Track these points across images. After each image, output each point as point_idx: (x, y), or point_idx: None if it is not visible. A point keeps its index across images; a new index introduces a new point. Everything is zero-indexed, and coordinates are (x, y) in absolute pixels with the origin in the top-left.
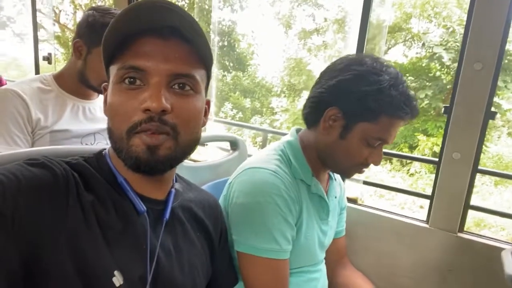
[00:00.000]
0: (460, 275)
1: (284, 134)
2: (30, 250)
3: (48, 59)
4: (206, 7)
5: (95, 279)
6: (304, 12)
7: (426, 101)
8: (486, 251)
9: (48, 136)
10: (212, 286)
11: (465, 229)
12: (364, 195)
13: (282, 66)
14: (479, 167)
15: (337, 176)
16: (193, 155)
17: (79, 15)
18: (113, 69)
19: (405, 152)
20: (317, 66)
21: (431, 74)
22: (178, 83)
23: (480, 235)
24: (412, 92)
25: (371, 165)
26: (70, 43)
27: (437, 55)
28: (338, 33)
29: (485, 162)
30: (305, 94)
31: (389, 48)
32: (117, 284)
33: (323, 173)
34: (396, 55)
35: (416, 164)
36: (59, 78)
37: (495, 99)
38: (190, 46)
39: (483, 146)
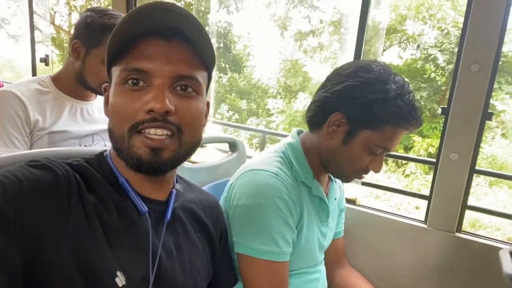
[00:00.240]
0: (458, 275)
1: (280, 135)
2: (32, 251)
3: (45, 60)
4: (202, 8)
5: (97, 279)
6: (300, 13)
7: (421, 103)
8: (484, 250)
9: (46, 138)
10: (213, 286)
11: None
12: (359, 196)
13: (278, 67)
14: (476, 168)
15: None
16: (191, 157)
17: (74, 17)
18: (116, 70)
19: (401, 153)
20: (313, 67)
21: (426, 76)
22: (180, 85)
23: (478, 235)
24: (418, 103)
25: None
26: (65, 45)
27: (432, 56)
28: (333, 34)
29: (480, 163)
30: (301, 96)
31: (384, 50)
32: (120, 285)
33: (323, 175)
34: (391, 56)
35: (412, 165)
36: (56, 79)
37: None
38: (193, 47)
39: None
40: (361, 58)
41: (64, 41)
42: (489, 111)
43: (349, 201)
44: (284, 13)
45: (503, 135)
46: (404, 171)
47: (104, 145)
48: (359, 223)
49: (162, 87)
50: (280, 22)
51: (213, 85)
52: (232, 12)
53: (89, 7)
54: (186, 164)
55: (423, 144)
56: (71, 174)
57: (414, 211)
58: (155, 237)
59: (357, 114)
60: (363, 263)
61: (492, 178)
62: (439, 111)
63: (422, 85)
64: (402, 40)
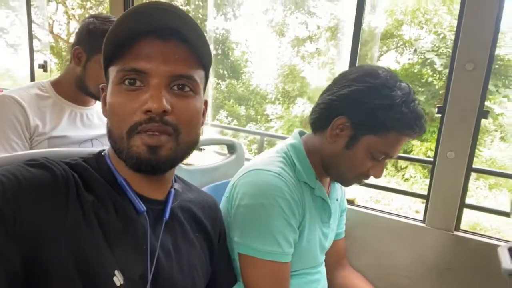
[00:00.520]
0: (458, 273)
1: (278, 137)
2: (30, 250)
3: (43, 66)
4: (200, 16)
5: (95, 278)
6: (297, 20)
7: (425, 110)
8: (482, 248)
9: (46, 143)
10: (212, 286)
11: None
12: (359, 201)
13: (276, 73)
14: (474, 166)
15: None
16: (190, 160)
17: (73, 26)
18: (113, 70)
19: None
20: (311, 73)
21: (424, 80)
22: (177, 84)
23: (476, 233)
24: (422, 111)
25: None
26: (63, 53)
27: (429, 60)
28: (330, 40)
29: (479, 166)
30: (300, 101)
31: (381, 55)
32: (118, 284)
33: (325, 176)
34: (389, 61)
35: (411, 169)
36: (56, 84)
37: (488, 103)
38: (190, 47)
39: (477, 150)
40: (357, 63)
41: (63, 50)
42: (484, 109)
43: (347, 201)
44: (281, 20)
45: (501, 138)
46: (403, 175)
47: None
48: (358, 223)
49: (159, 87)
50: (277, 28)
51: (211, 91)
52: (230, 19)
53: (91, 13)
54: (184, 165)
55: (421, 148)
56: (69, 174)
57: (415, 215)
58: (153, 237)
59: (362, 119)
60: (362, 263)
61: (492, 181)
62: (436, 110)
63: (420, 89)
64: (399, 45)
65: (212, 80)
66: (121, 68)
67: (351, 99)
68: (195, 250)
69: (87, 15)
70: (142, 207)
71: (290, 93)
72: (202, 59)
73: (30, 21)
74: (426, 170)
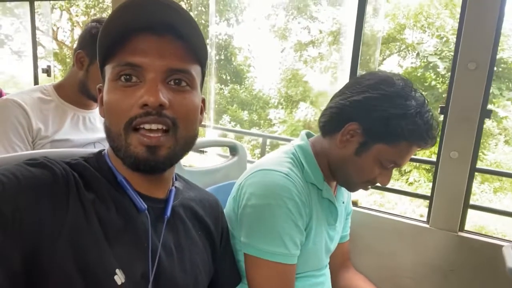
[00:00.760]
0: (462, 274)
1: (280, 139)
2: (30, 249)
3: (47, 71)
4: (203, 21)
5: (96, 277)
6: (299, 24)
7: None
8: (487, 249)
9: (49, 146)
10: (215, 286)
11: None
12: (361, 203)
13: (278, 78)
14: (477, 166)
15: None
16: (192, 163)
17: (77, 32)
18: (109, 68)
19: None
20: (314, 77)
21: (427, 84)
22: (174, 79)
23: (481, 234)
24: (435, 122)
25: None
26: (68, 60)
27: (432, 64)
28: (333, 44)
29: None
30: (302, 105)
31: (384, 59)
32: (119, 283)
33: (332, 179)
34: (391, 65)
35: (415, 173)
36: (59, 88)
37: (492, 107)
38: (186, 42)
39: (482, 154)
40: (358, 67)
41: (67, 57)
42: (487, 108)
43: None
44: (283, 24)
45: (506, 142)
46: (407, 179)
47: None
48: (361, 224)
49: (155, 81)
50: (280, 33)
51: (214, 96)
52: (233, 25)
53: (94, 18)
54: (186, 167)
55: (426, 151)
56: (69, 173)
57: (419, 219)
58: (154, 235)
59: (374, 126)
60: (366, 265)
61: (497, 185)
62: (438, 110)
63: (423, 93)
64: (401, 48)
65: (215, 85)
66: (116, 64)
67: (365, 106)
68: (197, 248)
69: (94, 18)
70: (143, 205)
71: (293, 98)
72: (198, 54)
73: (34, 28)
74: (430, 174)
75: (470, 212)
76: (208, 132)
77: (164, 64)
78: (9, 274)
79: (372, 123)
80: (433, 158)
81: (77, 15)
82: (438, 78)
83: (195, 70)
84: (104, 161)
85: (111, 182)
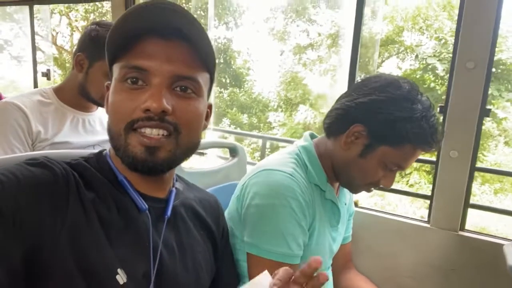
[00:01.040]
0: (463, 273)
1: (280, 140)
2: (31, 248)
3: (47, 75)
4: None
5: (98, 277)
6: (298, 27)
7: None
8: (488, 248)
9: (48, 149)
10: (216, 285)
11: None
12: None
13: (278, 81)
14: (477, 166)
15: None
16: (191, 165)
17: (76, 37)
18: (116, 68)
19: None
20: (313, 80)
21: (426, 86)
22: (180, 85)
23: (481, 233)
24: (440, 126)
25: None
26: (67, 65)
27: (430, 66)
28: (332, 47)
29: None
30: (302, 108)
31: (383, 61)
32: (121, 282)
33: (335, 180)
34: (390, 67)
35: (415, 174)
36: (59, 91)
37: (491, 108)
38: (194, 48)
39: (482, 155)
40: (357, 69)
41: (66, 61)
42: (486, 107)
43: None
44: (282, 28)
45: (506, 143)
46: (408, 181)
47: None
48: (362, 225)
49: (160, 87)
50: (278, 36)
51: (213, 100)
52: (231, 28)
53: (94, 21)
54: (186, 168)
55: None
56: (69, 173)
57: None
58: (155, 234)
59: (380, 129)
60: (367, 265)
61: (497, 186)
62: (437, 110)
63: None
64: (400, 51)
65: (214, 88)
66: (124, 65)
67: (371, 108)
68: (199, 247)
69: (93, 21)
70: (143, 205)
71: (292, 100)
72: (206, 61)
73: (33, 33)
74: (430, 176)
75: (471, 213)
76: (208, 134)
77: (171, 69)
78: (11, 273)
79: (378, 126)
80: (433, 158)
81: (76, 20)
82: (437, 80)
83: (203, 78)
84: (105, 161)
85: (112, 182)
